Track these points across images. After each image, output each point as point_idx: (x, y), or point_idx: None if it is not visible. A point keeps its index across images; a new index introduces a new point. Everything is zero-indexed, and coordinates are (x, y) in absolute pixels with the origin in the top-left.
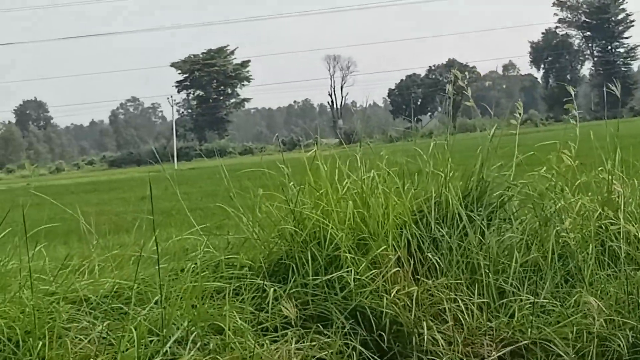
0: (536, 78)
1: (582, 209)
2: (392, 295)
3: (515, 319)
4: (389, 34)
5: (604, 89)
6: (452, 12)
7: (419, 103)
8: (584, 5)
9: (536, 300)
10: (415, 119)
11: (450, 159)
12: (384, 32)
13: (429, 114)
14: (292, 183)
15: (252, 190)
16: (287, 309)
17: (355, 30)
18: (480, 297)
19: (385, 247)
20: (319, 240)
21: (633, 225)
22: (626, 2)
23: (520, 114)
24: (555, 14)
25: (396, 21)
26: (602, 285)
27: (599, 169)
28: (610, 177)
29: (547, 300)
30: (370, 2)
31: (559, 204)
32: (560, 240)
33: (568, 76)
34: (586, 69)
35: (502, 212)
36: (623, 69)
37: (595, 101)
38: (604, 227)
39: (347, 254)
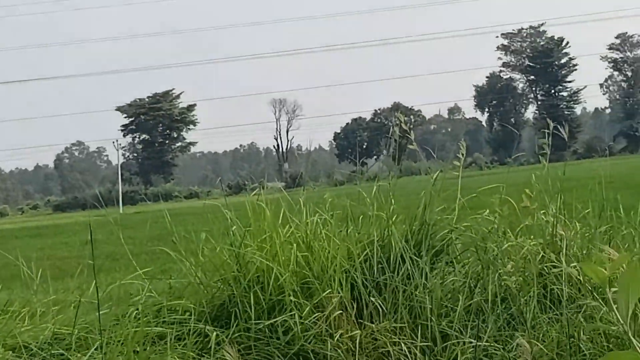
0: (481, 121)
1: (525, 252)
2: (336, 339)
3: None
4: (334, 77)
5: (547, 131)
6: (398, 55)
7: (364, 146)
8: (528, 50)
9: (478, 343)
10: (361, 162)
11: (394, 202)
12: (329, 76)
13: (375, 157)
14: (234, 227)
15: (196, 234)
16: (229, 354)
17: (301, 73)
18: (423, 341)
19: (329, 290)
20: (262, 285)
21: (575, 268)
22: (569, 47)
23: (463, 154)
24: (500, 58)
25: (342, 65)
26: (544, 329)
27: (542, 211)
28: (553, 220)
29: (490, 344)
30: (316, 45)
31: (502, 247)
32: (503, 284)
33: (512, 119)
34: (530, 112)
35: (445, 255)
36: (566, 112)
37: (540, 144)
38: (546, 270)
39: (291, 297)
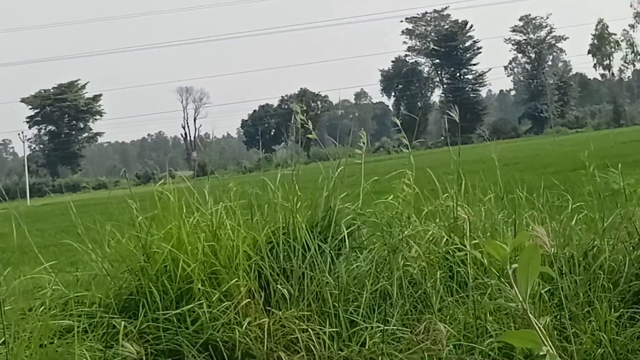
0: (387, 106)
1: (430, 236)
2: (244, 327)
3: (367, 347)
4: (241, 64)
5: (446, 116)
6: (306, 41)
7: (272, 133)
8: (433, 34)
9: (385, 327)
10: (269, 149)
11: (299, 189)
12: (236, 63)
13: (283, 143)
14: (140, 218)
15: (102, 225)
16: (130, 347)
17: (207, 61)
18: (331, 327)
19: (236, 279)
20: (170, 274)
21: (479, 251)
22: (473, 30)
23: (364, 143)
24: (405, 42)
25: (248, 51)
26: (451, 311)
27: (445, 195)
28: (454, 203)
29: (397, 328)
30: (222, 33)
31: (406, 232)
32: (410, 268)
33: (419, 103)
34: (436, 95)
35: (352, 241)
36: (472, 95)
37: (447, 127)
38: (451, 253)
39: (199, 286)
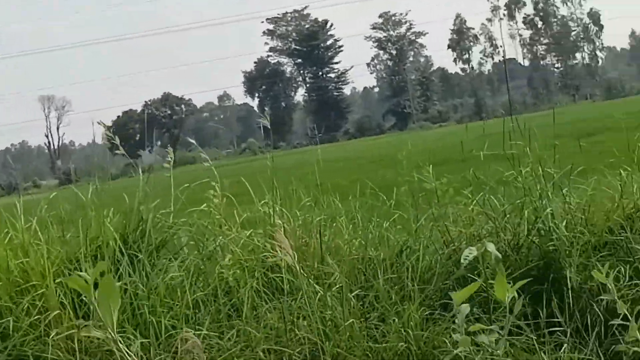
0: (252, 107)
1: (243, 244)
2: (56, 339)
3: (178, 355)
4: (104, 71)
5: (309, 116)
6: (166, 45)
7: (137, 138)
8: (294, 34)
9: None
10: (135, 154)
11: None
12: (99, 70)
13: (148, 148)
14: None
15: None
16: None
17: (68, 69)
18: (144, 337)
19: (43, 290)
20: None
21: (291, 257)
22: (334, 28)
23: (171, 158)
24: (266, 43)
25: (110, 58)
26: (264, 316)
27: (262, 202)
28: (270, 210)
29: (210, 333)
30: (81, 40)
31: (221, 240)
32: (225, 276)
33: (283, 103)
34: (300, 95)
35: (165, 251)
36: (335, 93)
37: (311, 127)
38: (265, 260)
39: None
